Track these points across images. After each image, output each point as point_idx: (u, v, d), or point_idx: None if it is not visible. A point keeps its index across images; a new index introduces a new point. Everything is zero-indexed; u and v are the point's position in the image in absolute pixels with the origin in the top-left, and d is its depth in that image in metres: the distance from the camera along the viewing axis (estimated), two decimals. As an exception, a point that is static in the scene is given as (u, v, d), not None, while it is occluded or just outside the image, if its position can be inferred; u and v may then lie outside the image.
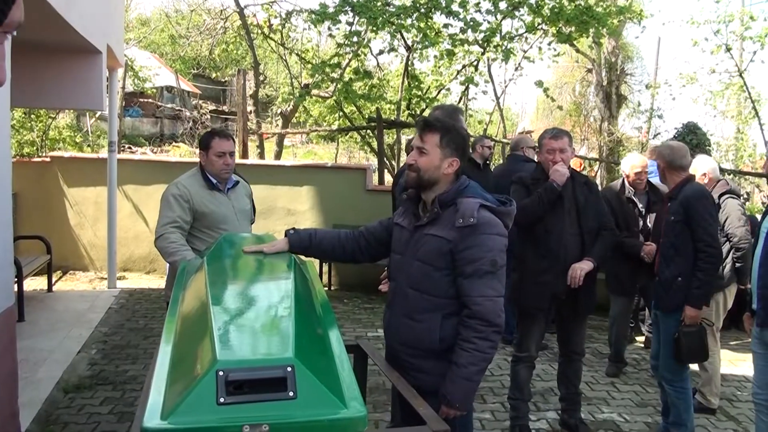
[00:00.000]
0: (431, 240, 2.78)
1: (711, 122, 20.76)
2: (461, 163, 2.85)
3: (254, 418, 1.64)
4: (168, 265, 4.27)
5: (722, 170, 10.20)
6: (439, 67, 12.95)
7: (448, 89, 13.37)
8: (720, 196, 5.21)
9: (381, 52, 12.17)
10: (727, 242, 5.14)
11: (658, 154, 4.69)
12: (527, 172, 4.66)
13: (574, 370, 4.72)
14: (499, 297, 2.74)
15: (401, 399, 2.64)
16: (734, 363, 6.58)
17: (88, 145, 17.18)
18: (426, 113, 12.16)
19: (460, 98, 12.99)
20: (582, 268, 4.25)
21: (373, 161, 13.65)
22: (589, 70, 17.02)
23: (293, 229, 3.10)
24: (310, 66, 12.54)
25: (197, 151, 4.39)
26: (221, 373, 1.68)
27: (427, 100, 12.38)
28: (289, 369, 1.71)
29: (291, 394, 1.68)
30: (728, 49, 13.34)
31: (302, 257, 3.13)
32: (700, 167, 5.31)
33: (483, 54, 11.67)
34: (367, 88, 12.22)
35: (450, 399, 2.72)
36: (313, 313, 2.33)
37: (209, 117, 25.00)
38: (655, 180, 6.56)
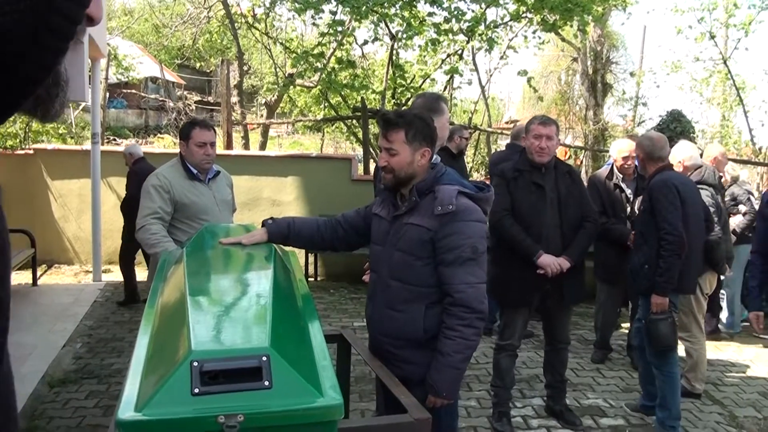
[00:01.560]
0: (411, 229, 2.77)
1: (697, 109, 20.81)
2: (432, 149, 2.83)
3: (229, 408, 1.62)
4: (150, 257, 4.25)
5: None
6: (423, 57, 12.93)
7: (433, 79, 13.37)
8: None
9: (366, 42, 12.14)
10: None
11: (638, 145, 4.77)
12: (511, 162, 4.63)
13: (560, 360, 4.74)
14: (482, 283, 2.73)
15: (384, 388, 2.64)
16: (719, 348, 6.63)
17: (72, 137, 17.05)
18: (410, 102, 12.14)
19: (445, 87, 12.98)
20: (556, 263, 4.26)
21: (359, 151, 13.64)
22: (575, 59, 17.03)
23: (271, 218, 3.07)
24: (293, 56, 12.49)
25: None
26: (196, 363, 1.66)
27: (412, 90, 12.36)
28: (264, 359, 1.69)
29: (266, 383, 1.66)
30: (712, 37, 13.42)
31: (286, 247, 3.12)
32: (677, 154, 5.31)
33: (468, 43, 11.65)
34: (351, 77, 12.19)
35: (436, 388, 2.71)
36: (293, 303, 2.32)
37: (194, 108, 24.89)
38: None
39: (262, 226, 3.01)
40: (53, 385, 5.24)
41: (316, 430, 1.71)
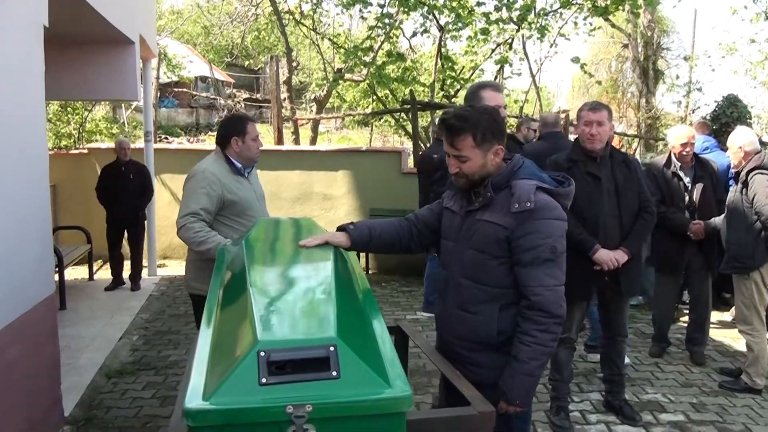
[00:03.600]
0: (485, 226, 2.59)
1: (751, 93, 20.15)
2: (504, 143, 2.63)
3: (297, 398, 1.61)
4: (188, 254, 4.16)
5: (763, 143, 9.95)
6: (472, 47, 12.82)
7: (482, 69, 13.26)
8: (749, 171, 5.04)
9: (414, 34, 12.10)
10: (758, 221, 4.97)
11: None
12: (565, 152, 4.50)
13: (618, 352, 4.63)
14: (560, 286, 2.55)
15: (446, 381, 2.56)
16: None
17: (125, 136, 17.38)
18: (461, 94, 12.04)
19: (495, 77, 12.87)
20: (613, 258, 4.17)
21: (408, 144, 13.61)
22: (625, 46, 16.73)
23: (352, 223, 2.88)
24: (342, 51, 12.52)
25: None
26: (262, 353, 1.64)
27: (462, 81, 12.27)
28: (331, 349, 1.67)
29: (334, 373, 1.64)
30: (768, 17, 13.02)
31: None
32: (737, 140, 5.16)
33: (517, 31, 11.52)
34: (400, 70, 12.15)
35: (510, 395, 2.56)
36: (354, 294, 2.29)
37: (243, 105, 25.15)
38: (710, 155, 6.41)
39: (339, 230, 2.85)
40: (111, 376, 5.34)
41: (385, 421, 1.68)
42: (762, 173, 4.96)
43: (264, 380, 1.62)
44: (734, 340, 6.27)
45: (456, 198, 2.79)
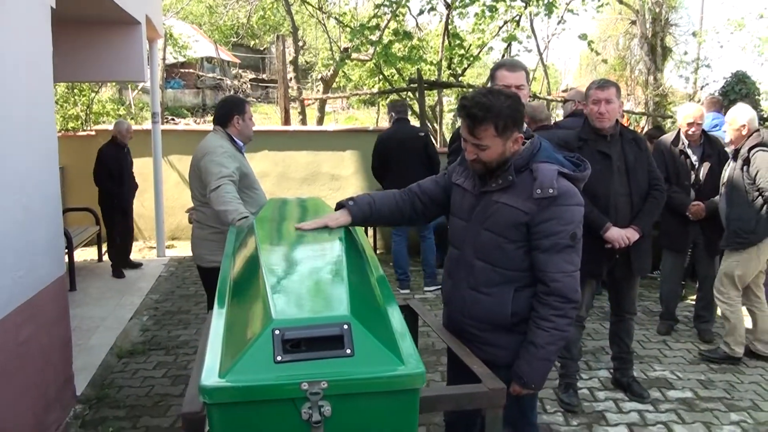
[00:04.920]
0: (504, 210, 2.55)
1: (759, 70, 19.94)
2: (522, 129, 2.57)
3: (312, 375, 1.63)
4: (193, 227, 4.37)
5: (764, 119, 9.89)
6: (480, 24, 12.73)
7: (491, 48, 13.18)
8: (751, 148, 5.03)
9: (421, 12, 12.01)
10: (760, 196, 4.96)
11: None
12: (575, 131, 4.46)
13: (626, 330, 4.65)
14: (577, 271, 2.55)
15: (452, 362, 2.57)
16: None
17: (132, 118, 17.37)
18: (468, 73, 11.94)
19: (503, 55, 12.80)
20: (624, 236, 4.16)
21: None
22: (633, 22, 16.56)
23: (351, 199, 2.83)
24: (348, 30, 12.45)
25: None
26: (277, 331, 1.66)
27: (469, 59, 12.18)
28: (345, 327, 1.69)
29: (348, 351, 1.66)
30: (777, -9, 12.87)
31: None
32: (740, 118, 5.13)
33: (525, 8, 11.43)
34: (406, 49, 12.09)
35: (526, 380, 2.56)
36: (365, 273, 2.30)
37: (249, 85, 25.08)
38: (719, 132, 6.37)
39: (338, 207, 2.82)
40: (121, 356, 5.39)
41: (399, 397, 1.70)
42: (763, 150, 4.97)
43: (279, 358, 1.64)
44: (742, 317, 6.28)
45: (467, 175, 2.73)
